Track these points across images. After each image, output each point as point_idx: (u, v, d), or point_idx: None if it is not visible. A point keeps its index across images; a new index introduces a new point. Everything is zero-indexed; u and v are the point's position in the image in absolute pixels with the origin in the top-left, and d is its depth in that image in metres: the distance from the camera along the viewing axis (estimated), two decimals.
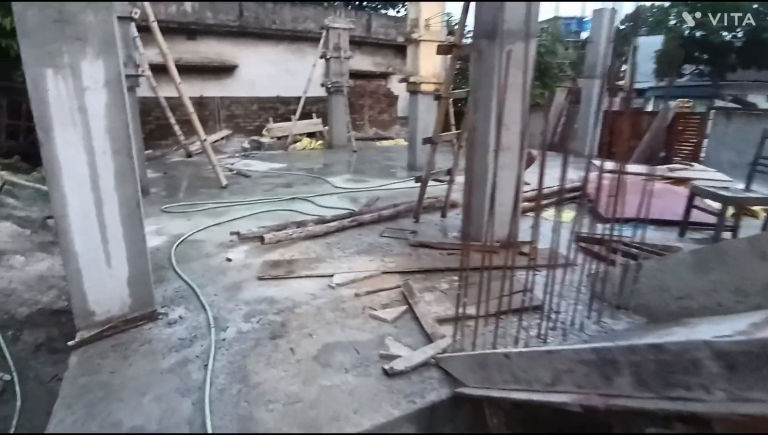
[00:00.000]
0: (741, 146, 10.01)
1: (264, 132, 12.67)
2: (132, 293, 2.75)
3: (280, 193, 6.47)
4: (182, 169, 8.76)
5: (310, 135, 13.10)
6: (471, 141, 4.08)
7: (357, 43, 13.95)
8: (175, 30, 11.89)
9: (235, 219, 5.10)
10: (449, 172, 4.95)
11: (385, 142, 13.67)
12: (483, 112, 3.85)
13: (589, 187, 5.74)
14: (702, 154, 10.39)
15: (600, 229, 3.87)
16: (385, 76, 16.19)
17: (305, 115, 12.41)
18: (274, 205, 5.78)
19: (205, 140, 6.75)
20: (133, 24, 6.35)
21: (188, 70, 12.18)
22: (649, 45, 21.42)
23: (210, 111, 12.26)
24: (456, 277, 3.52)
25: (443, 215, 5.22)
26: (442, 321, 2.81)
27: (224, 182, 6.83)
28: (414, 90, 8.16)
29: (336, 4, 15.17)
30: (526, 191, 6.70)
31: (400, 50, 16.20)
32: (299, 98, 11.76)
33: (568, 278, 2.70)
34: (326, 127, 12.85)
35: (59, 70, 2.29)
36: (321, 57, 11.54)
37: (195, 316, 2.90)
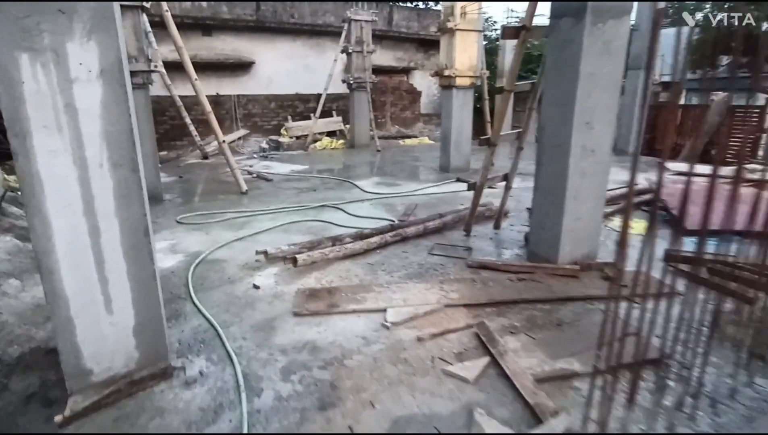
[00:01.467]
0: None
1: (282, 131, 12.08)
2: (140, 344, 2.13)
3: (306, 200, 5.84)
4: (198, 172, 8.20)
5: (330, 134, 12.48)
6: (542, 143, 3.38)
7: (378, 37, 13.26)
8: (190, 26, 11.35)
9: (259, 232, 4.49)
10: (506, 177, 4.26)
11: (408, 141, 12.99)
12: (561, 108, 3.16)
13: (662, 191, 5.01)
14: (760, 152, 9.50)
15: (686, 243, 3.16)
16: (407, 71, 15.48)
17: (325, 114, 11.78)
18: (301, 215, 5.15)
19: (223, 141, 6.16)
20: (145, 16, 5.78)
21: (204, 67, 11.65)
22: (667, 36, 20.44)
23: (226, 110, 11.71)
24: (537, 312, 2.84)
25: (497, 226, 4.54)
26: (541, 381, 2.13)
27: (244, 188, 6.23)
28: (448, 84, 7.46)
29: None
30: None
31: (422, 44, 15.49)
32: (319, 95, 11.14)
33: (675, 312, 1.97)
34: (347, 126, 12.22)
35: (37, 54, 1.67)
36: (342, 51, 10.90)
37: (220, 371, 2.27)
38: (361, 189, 6.48)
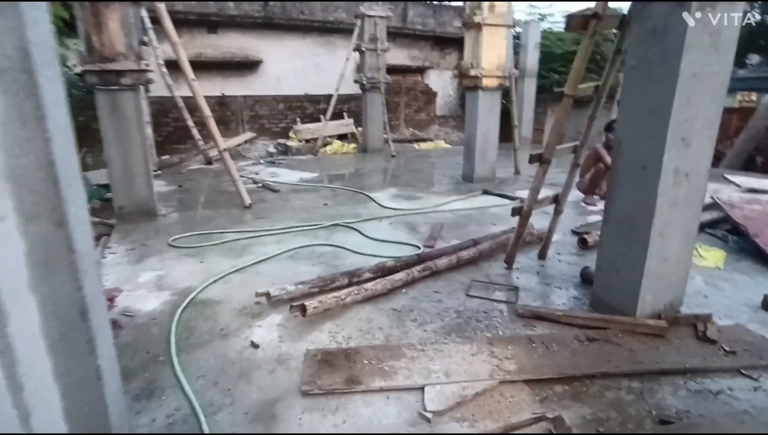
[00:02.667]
0: None
1: (291, 134, 11.43)
2: None
3: (317, 217, 5.17)
4: (200, 179, 7.57)
5: (341, 137, 11.82)
6: (618, 162, 2.67)
7: (392, 35, 12.53)
8: (194, 22, 10.76)
9: (261, 260, 3.81)
10: (556, 199, 3.54)
11: (423, 145, 12.27)
12: (648, 119, 2.44)
13: (735, 212, 4.25)
14: None
15: None
16: (421, 70, 14.76)
17: (336, 115, 11.10)
18: (311, 237, 4.48)
19: (225, 150, 5.50)
20: (143, 10, 5.14)
21: (209, 66, 11.06)
22: None
23: (232, 111, 11.10)
24: (625, 393, 2.13)
25: (542, 256, 3.82)
26: None
27: (247, 201, 5.57)
28: (473, 85, 6.74)
29: None
30: None
31: (438, 42, 14.76)
32: (329, 96, 10.46)
33: None
34: (359, 129, 11.54)
35: None
36: (354, 50, 10.21)
37: None
38: (378, 203, 5.78)
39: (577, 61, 2.86)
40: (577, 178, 5.68)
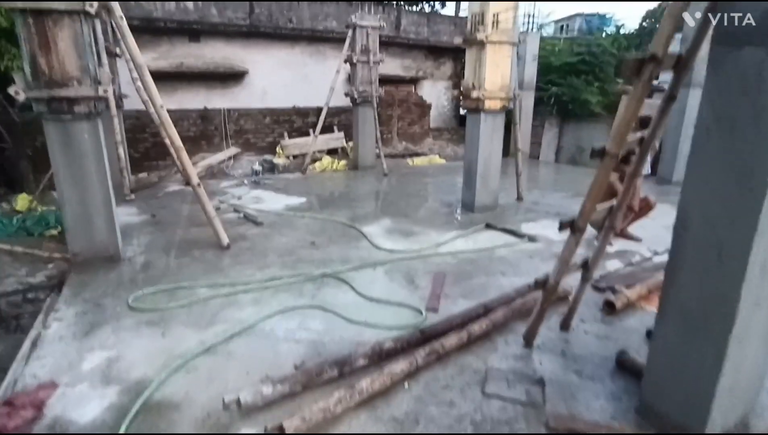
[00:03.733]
0: None
1: (278, 150, 10.80)
2: None
3: (303, 262, 4.57)
4: (177, 206, 6.91)
5: (331, 152, 11.21)
6: (681, 238, 2.12)
7: (384, 44, 11.91)
8: (174, 30, 10.06)
9: (234, 335, 3.20)
10: (585, 265, 2.98)
11: (417, 160, 11.71)
12: (731, 190, 1.90)
13: None
14: None
15: None
16: (415, 81, 14.20)
17: (326, 129, 10.49)
18: (295, 294, 3.88)
19: (198, 185, 4.86)
20: (95, 24, 4.50)
21: (190, 77, 10.39)
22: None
23: (215, 125, 10.43)
24: None
25: (565, 326, 3.27)
26: None
27: (225, 241, 4.95)
28: (475, 107, 6.20)
29: None
30: (645, 259, 4.73)
31: (431, 52, 14.21)
32: (319, 109, 9.85)
33: None
34: (350, 143, 10.95)
35: None
36: (345, 61, 9.64)
37: None
38: (371, 241, 5.19)
39: (626, 114, 2.31)
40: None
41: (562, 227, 2.62)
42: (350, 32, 9.47)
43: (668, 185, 8.42)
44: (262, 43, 11.12)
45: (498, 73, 6.14)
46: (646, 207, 5.22)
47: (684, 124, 8.43)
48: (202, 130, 10.31)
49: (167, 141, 8.04)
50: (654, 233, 5.27)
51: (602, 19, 27.08)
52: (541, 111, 12.52)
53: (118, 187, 6.02)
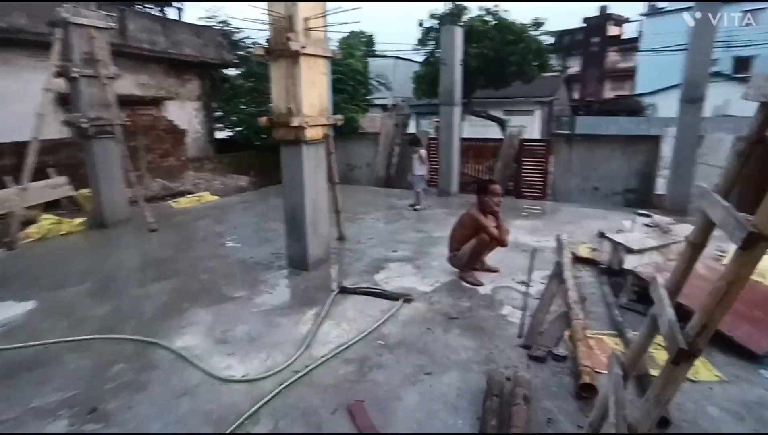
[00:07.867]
0: (585, 172, 10.28)
1: None
2: None
3: None
4: None
5: (51, 204, 7.63)
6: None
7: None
8: None
9: None
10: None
11: (183, 201, 9.22)
12: None
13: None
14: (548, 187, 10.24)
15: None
16: (156, 102, 11.35)
17: (38, 173, 6.95)
18: None
19: None
20: None
21: None
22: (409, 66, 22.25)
23: None
24: None
25: None
26: None
27: None
28: (294, 138, 4.77)
29: None
30: (527, 295, 4.29)
31: (173, 66, 11.68)
32: (18, 145, 6.42)
33: None
34: (82, 191, 7.67)
35: None
36: (58, 75, 6.56)
37: None
38: (200, 367, 3.16)
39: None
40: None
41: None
42: (59, 33, 6.45)
43: (448, 197, 8.88)
44: None
45: (315, 93, 4.90)
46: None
47: (452, 143, 9.09)
48: None
49: None
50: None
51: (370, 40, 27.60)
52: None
53: None
